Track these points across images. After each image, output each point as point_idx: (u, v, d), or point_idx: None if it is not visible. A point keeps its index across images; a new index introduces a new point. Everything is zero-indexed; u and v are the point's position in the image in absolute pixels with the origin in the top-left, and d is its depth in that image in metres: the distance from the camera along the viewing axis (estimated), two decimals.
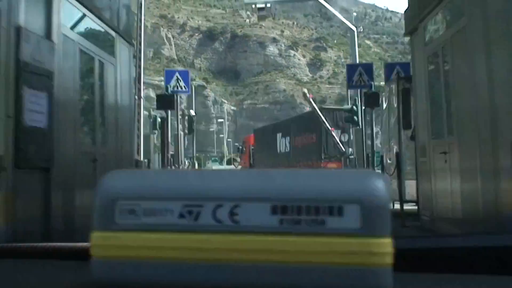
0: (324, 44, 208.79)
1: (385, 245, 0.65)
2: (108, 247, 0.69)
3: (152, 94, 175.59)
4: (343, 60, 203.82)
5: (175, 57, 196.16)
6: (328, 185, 0.68)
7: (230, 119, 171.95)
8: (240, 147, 49.07)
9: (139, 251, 0.68)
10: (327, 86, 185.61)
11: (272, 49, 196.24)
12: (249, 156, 44.43)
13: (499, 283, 0.90)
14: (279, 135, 38.21)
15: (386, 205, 0.66)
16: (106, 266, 0.70)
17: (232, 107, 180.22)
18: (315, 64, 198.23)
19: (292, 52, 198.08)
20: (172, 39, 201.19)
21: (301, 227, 0.66)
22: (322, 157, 30.80)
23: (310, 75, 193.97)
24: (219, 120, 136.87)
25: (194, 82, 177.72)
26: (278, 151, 38.02)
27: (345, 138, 31.27)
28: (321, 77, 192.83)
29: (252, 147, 43.98)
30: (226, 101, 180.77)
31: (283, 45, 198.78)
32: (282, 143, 37.46)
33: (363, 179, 0.68)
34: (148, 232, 0.69)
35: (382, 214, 0.66)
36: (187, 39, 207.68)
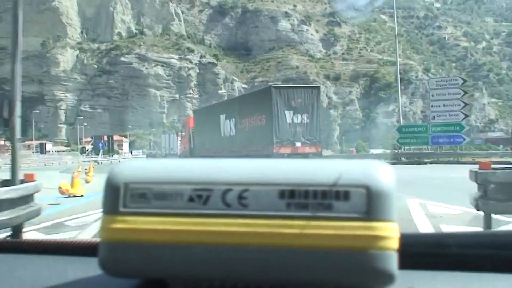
0: (337, 19, 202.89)
1: (390, 230, 0.66)
2: (118, 230, 0.70)
3: (161, 71, 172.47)
4: (357, 35, 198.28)
5: (185, 33, 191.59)
6: (334, 170, 0.69)
7: None
8: (180, 130, 44.63)
9: (149, 235, 0.69)
10: (341, 62, 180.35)
11: (284, 24, 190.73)
12: (189, 139, 40.72)
13: (502, 280, 0.90)
14: (222, 116, 34.76)
15: (392, 190, 0.67)
16: (116, 249, 0.70)
17: (244, 85, 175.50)
18: (329, 40, 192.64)
19: (305, 27, 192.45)
20: (181, 14, 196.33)
21: (308, 211, 0.67)
22: (274, 141, 27.42)
23: (324, 50, 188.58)
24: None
25: (204, 59, 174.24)
26: (222, 134, 34.66)
27: (297, 119, 27.95)
28: (335, 53, 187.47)
29: (192, 130, 40.30)
30: (237, 79, 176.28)
31: (295, 20, 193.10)
32: (227, 126, 34.08)
33: (369, 166, 0.69)
34: (158, 216, 0.69)
35: (388, 199, 0.67)
36: (197, 14, 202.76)
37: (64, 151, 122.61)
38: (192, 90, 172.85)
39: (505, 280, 0.90)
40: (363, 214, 0.65)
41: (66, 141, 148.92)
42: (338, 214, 0.66)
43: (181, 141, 45.00)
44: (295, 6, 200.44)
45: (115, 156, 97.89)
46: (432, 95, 36.57)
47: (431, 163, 33.01)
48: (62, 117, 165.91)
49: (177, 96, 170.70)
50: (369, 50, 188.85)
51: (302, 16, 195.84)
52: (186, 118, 44.12)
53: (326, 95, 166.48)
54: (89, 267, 0.81)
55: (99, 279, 0.72)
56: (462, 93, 36.53)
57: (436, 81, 38.55)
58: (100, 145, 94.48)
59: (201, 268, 0.69)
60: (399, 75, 41.46)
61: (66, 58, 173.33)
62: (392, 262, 0.66)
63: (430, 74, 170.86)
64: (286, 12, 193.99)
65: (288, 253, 0.66)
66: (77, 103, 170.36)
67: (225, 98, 66.32)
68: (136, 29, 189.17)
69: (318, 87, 32.25)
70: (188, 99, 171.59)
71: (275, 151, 27.15)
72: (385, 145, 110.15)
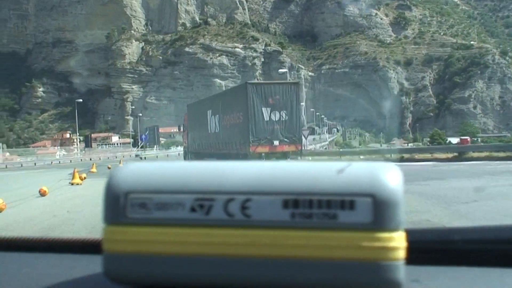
0: (407, 2, 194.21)
1: (397, 239, 0.65)
2: (120, 241, 0.69)
3: (226, 61, 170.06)
4: (429, 18, 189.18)
5: (249, 22, 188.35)
6: (340, 178, 0.67)
7: (308, 85, 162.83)
8: (183, 124, 41.95)
9: (150, 245, 0.68)
10: (413, 46, 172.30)
11: (351, 9, 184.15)
12: (187, 135, 39.43)
13: (508, 275, 0.89)
14: (209, 112, 33.03)
15: (399, 198, 0.65)
16: (118, 260, 0.69)
17: (310, 73, 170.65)
18: (399, 24, 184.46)
19: (373, 12, 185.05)
20: (245, 3, 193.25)
21: (313, 221, 0.65)
22: (250, 140, 25.69)
23: (394, 35, 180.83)
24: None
25: (269, 48, 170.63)
26: (209, 130, 33.00)
27: (275, 116, 26.22)
28: (405, 37, 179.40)
29: (188, 126, 38.96)
30: (303, 67, 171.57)
31: (363, 4, 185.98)
32: (212, 122, 32.52)
33: (375, 172, 0.67)
34: (159, 226, 0.68)
35: (395, 208, 0.65)
36: (261, 2, 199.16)
37: (129, 143, 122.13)
38: (257, 79, 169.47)
39: (511, 275, 0.89)
40: (369, 224, 0.64)
41: (134, 133, 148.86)
42: (343, 224, 0.65)
43: (183, 136, 43.00)
44: None
45: (175, 148, 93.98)
46: None
47: None
48: (129, 109, 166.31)
49: None
50: (442, 34, 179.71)
51: (371, 0, 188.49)
52: (186, 113, 41.66)
53: (397, 81, 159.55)
54: (96, 265, 0.81)
55: (104, 278, 0.70)
56: None
57: None
58: (143, 137, 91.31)
59: (203, 279, 0.68)
60: None
61: (131, 50, 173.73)
62: (399, 272, 0.65)
63: (507, 58, 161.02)
64: None
65: (292, 264, 0.65)
66: (143, 95, 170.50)
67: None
68: (200, 19, 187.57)
69: (297, 82, 30.96)
70: None
71: (251, 151, 25.59)
72: (463, 133, 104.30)
